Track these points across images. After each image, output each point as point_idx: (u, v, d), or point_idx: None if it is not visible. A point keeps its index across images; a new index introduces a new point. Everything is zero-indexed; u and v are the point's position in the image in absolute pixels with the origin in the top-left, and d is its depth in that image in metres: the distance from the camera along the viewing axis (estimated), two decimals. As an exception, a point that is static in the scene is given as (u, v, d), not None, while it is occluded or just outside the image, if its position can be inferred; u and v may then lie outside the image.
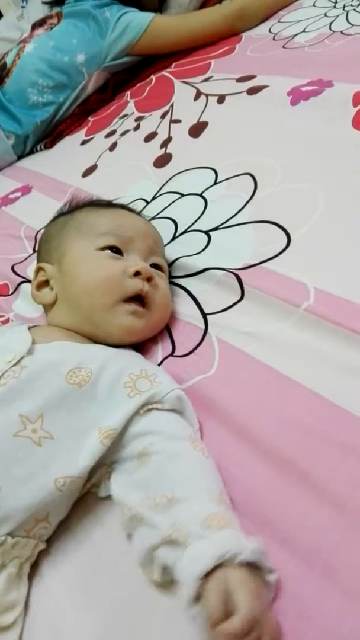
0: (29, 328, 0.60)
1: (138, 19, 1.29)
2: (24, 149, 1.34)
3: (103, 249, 0.62)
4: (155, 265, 0.64)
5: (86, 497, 0.53)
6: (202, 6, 1.48)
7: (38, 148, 1.34)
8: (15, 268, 0.88)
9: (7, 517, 0.46)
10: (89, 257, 0.62)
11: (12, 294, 0.84)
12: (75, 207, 0.72)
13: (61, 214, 0.73)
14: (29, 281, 0.82)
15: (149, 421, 0.51)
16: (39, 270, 0.67)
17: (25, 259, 0.90)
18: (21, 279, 0.86)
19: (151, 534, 0.42)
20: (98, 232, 0.64)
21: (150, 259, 0.64)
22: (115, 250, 0.62)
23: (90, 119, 1.31)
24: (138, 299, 0.60)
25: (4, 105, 1.29)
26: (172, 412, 0.52)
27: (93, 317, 0.60)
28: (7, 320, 0.79)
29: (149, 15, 1.29)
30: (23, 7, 1.62)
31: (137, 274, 0.60)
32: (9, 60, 1.34)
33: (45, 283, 0.66)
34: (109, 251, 0.62)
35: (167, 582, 0.42)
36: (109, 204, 0.73)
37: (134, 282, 0.59)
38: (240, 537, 0.40)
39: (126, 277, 0.59)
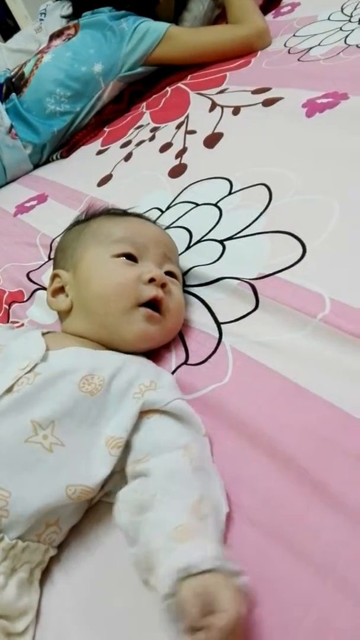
0: (43, 334, 0.60)
1: (154, 28, 1.30)
2: (41, 158, 1.35)
3: (118, 256, 0.62)
4: (169, 273, 0.64)
5: (98, 505, 0.53)
6: (216, 19, 1.50)
7: (54, 157, 1.35)
8: (31, 275, 0.89)
9: (15, 522, 0.46)
10: (104, 263, 0.62)
11: (27, 300, 0.85)
12: (91, 216, 0.73)
13: (77, 222, 0.73)
14: (44, 288, 0.82)
15: (149, 428, 0.52)
16: (54, 277, 0.67)
17: (40, 267, 0.90)
18: (36, 286, 0.86)
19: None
20: (113, 239, 0.64)
21: (165, 266, 0.65)
22: (130, 257, 0.63)
23: (106, 129, 1.32)
24: (152, 305, 0.60)
25: (22, 114, 1.30)
26: (172, 418, 0.52)
27: (107, 323, 0.60)
28: (22, 327, 0.80)
29: (165, 25, 1.30)
30: (41, 20, 1.64)
31: (151, 280, 0.60)
32: (27, 70, 1.36)
33: (61, 290, 0.66)
34: (124, 258, 0.62)
35: None
36: (124, 213, 0.74)
37: (148, 288, 0.60)
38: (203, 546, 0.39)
39: (141, 283, 0.60)
